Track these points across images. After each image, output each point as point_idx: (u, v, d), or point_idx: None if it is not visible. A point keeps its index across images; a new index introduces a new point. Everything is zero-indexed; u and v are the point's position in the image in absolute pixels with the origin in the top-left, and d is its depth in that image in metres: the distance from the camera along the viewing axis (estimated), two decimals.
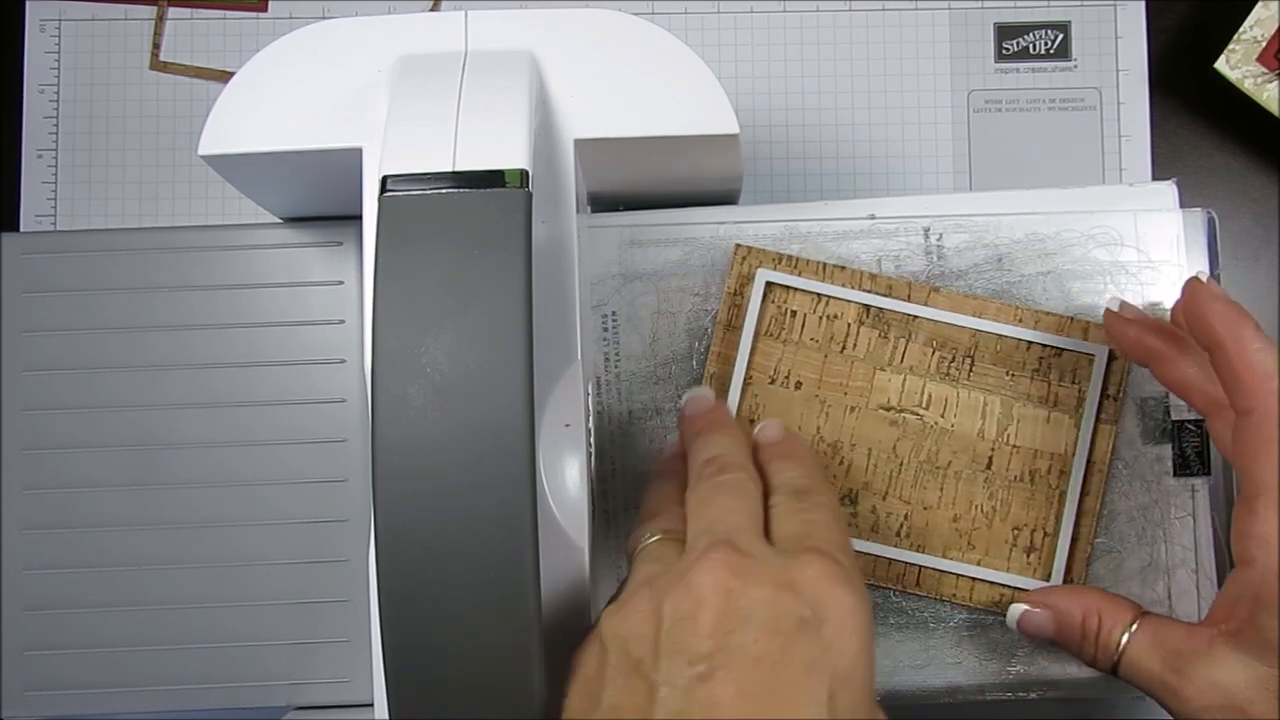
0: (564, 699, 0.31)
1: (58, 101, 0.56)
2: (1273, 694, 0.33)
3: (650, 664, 0.29)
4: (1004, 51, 0.56)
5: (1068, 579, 0.40)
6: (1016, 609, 0.38)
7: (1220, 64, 0.51)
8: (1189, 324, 0.36)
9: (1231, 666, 0.34)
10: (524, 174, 0.30)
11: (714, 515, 0.32)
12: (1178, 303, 0.37)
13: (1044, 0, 0.56)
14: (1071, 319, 0.40)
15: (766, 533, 0.33)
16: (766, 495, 0.35)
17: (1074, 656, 0.38)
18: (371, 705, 0.36)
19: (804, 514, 0.33)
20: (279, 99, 0.35)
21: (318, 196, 0.40)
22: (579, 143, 0.35)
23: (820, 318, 0.41)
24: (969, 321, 0.40)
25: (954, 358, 0.40)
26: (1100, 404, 0.40)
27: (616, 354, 0.41)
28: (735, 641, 0.29)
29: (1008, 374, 0.40)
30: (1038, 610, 0.38)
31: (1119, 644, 0.36)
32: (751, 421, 0.40)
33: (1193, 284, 0.36)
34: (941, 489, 0.40)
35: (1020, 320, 0.40)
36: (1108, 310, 0.39)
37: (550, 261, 0.35)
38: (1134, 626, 0.36)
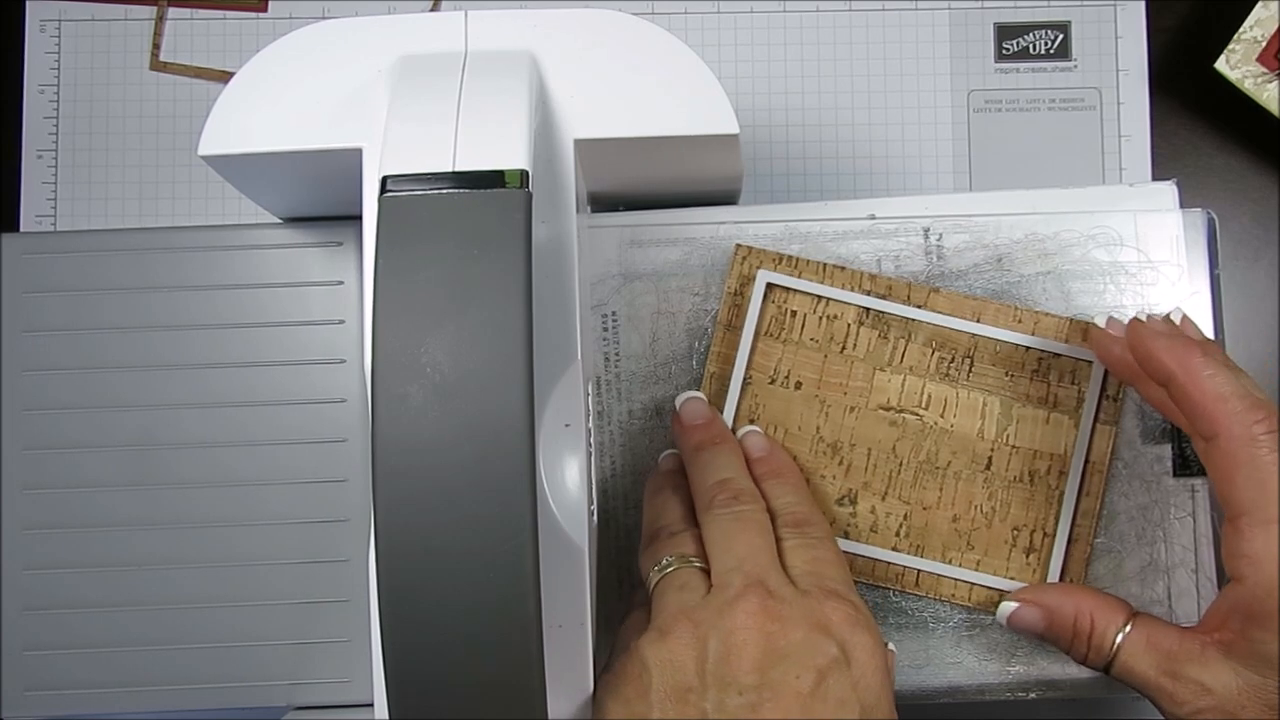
0: (600, 715, 0.34)
1: (58, 101, 0.56)
2: (1264, 702, 0.34)
3: (699, 693, 0.32)
4: (1004, 51, 0.56)
5: (1065, 579, 0.40)
6: (1007, 606, 0.38)
7: (1220, 64, 0.51)
8: (1140, 364, 0.37)
9: (1224, 673, 0.34)
10: (524, 174, 0.30)
11: (741, 553, 0.35)
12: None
13: (1044, 0, 0.56)
14: (1071, 320, 0.40)
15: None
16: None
17: (1064, 653, 0.38)
18: (371, 705, 0.36)
19: (810, 550, 0.36)
20: (279, 99, 0.35)
21: (318, 196, 0.40)
22: (579, 143, 0.35)
23: (820, 318, 0.41)
24: (969, 326, 0.40)
25: (953, 358, 0.40)
26: (1099, 405, 0.40)
27: (616, 354, 0.41)
28: (777, 677, 0.32)
29: (1007, 374, 0.40)
30: (1028, 607, 0.38)
31: (1113, 644, 0.36)
32: (751, 420, 0.40)
33: (1134, 325, 0.37)
34: (941, 489, 0.40)
35: (1020, 321, 0.40)
36: (1094, 326, 0.39)
37: (550, 261, 0.35)
38: (1127, 628, 0.36)
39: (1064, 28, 0.55)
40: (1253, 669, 0.34)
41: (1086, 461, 0.40)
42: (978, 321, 0.40)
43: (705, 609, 0.34)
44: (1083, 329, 0.40)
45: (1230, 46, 0.51)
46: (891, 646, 0.37)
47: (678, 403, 0.40)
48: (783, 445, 0.40)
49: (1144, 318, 0.37)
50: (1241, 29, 0.51)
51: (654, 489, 0.39)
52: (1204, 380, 0.35)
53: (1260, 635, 0.34)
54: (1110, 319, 0.39)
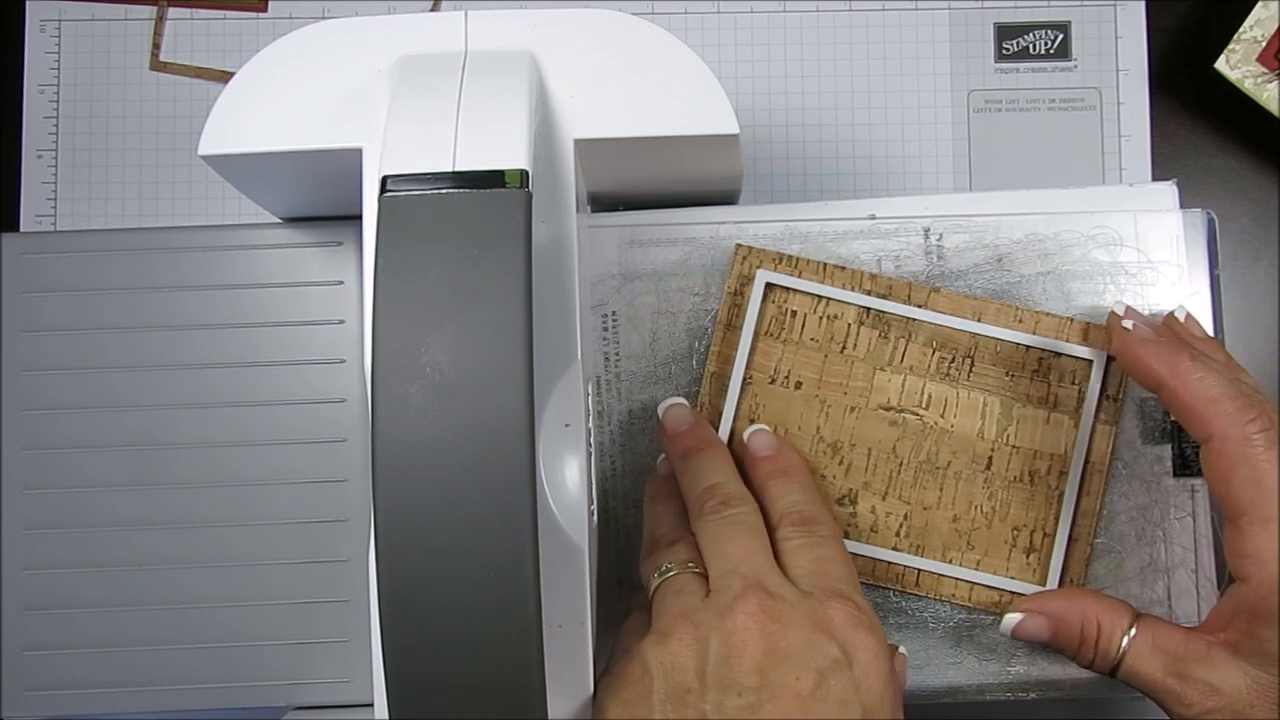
0: (601, 716, 0.34)
1: (58, 101, 0.56)
2: (1273, 700, 0.34)
3: (699, 694, 0.32)
4: (1004, 51, 0.56)
5: (1066, 579, 0.40)
6: (1012, 617, 0.38)
7: (1220, 64, 0.51)
8: (1129, 371, 0.37)
9: (1232, 673, 0.34)
10: (524, 174, 0.30)
11: (735, 556, 0.35)
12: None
13: (1044, 0, 0.56)
14: (1071, 320, 0.40)
15: (777, 560, 0.36)
16: (767, 516, 0.37)
17: (1069, 659, 0.38)
18: (371, 705, 0.36)
19: (814, 549, 0.36)
20: (279, 99, 0.35)
21: (318, 196, 0.40)
22: (579, 143, 0.35)
23: (820, 318, 0.41)
24: (969, 325, 0.40)
25: (954, 358, 0.40)
26: (1099, 405, 0.40)
27: (616, 354, 0.41)
28: (778, 678, 0.32)
29: (1007, 374, 0.40)
30: (1033, 617, 0.38)
31: (1119, 648, 0.36)
32: (751, 420, 0.40)
33: (1120, 333, 0.38)
34: (941, 489, 0.40)
35: (1020, 321, 0.40)
36: (1113, 314, 0.39)
37: (550, 261, 0.35)
38: (1132, 630, 0.36)
39: (1064, 28, 0.55)
40: (1260, 667, 0.34)
41: (1086, 461, 0.40)
42: (978, 321, 0.40)
43: (705, 611, 0.34)
44: (1083, 329, 0.40)
45: (1230, 46, 0.51)
46: (903, 649, 0.37)
47: (660, 410, 0.40)
48: None
49: (1130, 325, 0.37)
50: (1241, 29, 0.51)
51: (652, 495, 0.40)
52: (1194, 383, 0.35)
53: (1267, 633, 0.34)
54: (1128, 308, 0.39)
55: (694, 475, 0.38)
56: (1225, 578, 0.37)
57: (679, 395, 0.41)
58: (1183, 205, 0.41)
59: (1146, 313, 0.40)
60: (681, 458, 0.39)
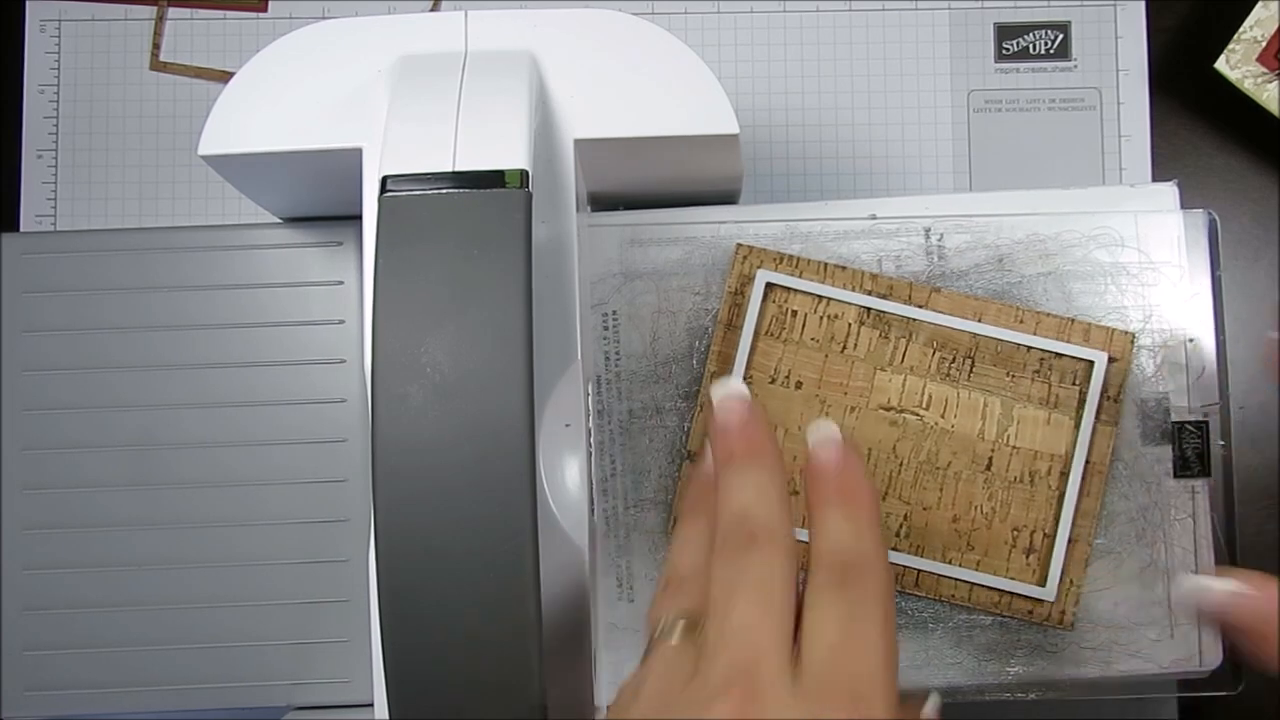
0: None
1: (58, 101, 0.56)
2: None
3: None
4: (1004, 51, 0.55)
5: (1066, 580, 0.40)
6: (1224, 585, 0.32)
7: (1220, 64, 0.51)
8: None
9: None
10: (524, 174, 0.30)
11: (735, 624, 0.28)
12: None
13: (1044, 0, 0.56)
14: (1072, 320, 0.40)
15: (798, 619, 0.28)
16: (810, 548, 0.30)
17: (1241, 648, 0.33)
18: (371, 705, 0.36)
19: (846, 621, 0.28)
20: (279, 99, 0.35)
21: (318, 196, 0.40)
22: (579, 143, 0.35)
23: (821, 318, 0.41)
24: (969, 326, 0.40)
25: (954, 358, 0.40)
26: (1100, 405, 0.40)
27: (616, 353, 0.41)
28: None
29: (1008, 375, 0.40)
30: (1250, 597, 0.32)
31: None
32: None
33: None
34: (941, 490, 0.40)
35: (1021, 321, 0.40)
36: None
37: (550, 261, 0.35)
38: None
39: (1064, 28, 0.55)
40: None
41: (1087, 462, 0.40)
42: (979, 322, 0.40)
43: (680, 703, 0.27)
44: (1084, 330, 0.40)
45: (1230, 46, 0.51)
46: (934, 698, 0.31)
47: (715, 395, 0.32)
48: (783, 446, 0.40)
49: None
50: (1241, 29, 0.51)
51: (688, 506, 0.33)
52: None
53: None
54: None
55: (729, 492, 0.30)
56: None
57: (736, 378, 0.35)
58: (1183, 205, 0.41)
59: (1147, 313, 0.40)
60: (723, 463, 0.31)
